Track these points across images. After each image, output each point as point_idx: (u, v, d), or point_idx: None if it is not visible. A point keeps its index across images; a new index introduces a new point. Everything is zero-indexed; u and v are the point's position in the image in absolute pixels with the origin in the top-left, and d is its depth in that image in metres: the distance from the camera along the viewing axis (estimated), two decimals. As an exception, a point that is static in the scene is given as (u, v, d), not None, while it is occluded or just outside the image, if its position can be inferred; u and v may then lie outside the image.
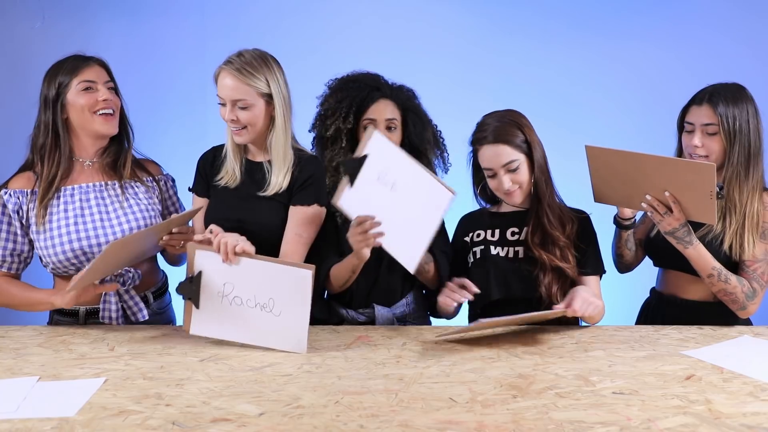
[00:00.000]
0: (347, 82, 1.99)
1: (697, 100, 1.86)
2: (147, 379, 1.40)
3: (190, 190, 1.99)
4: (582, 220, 1.89)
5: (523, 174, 1.81)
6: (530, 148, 1.81)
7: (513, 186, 1.81)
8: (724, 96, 1.82)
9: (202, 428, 1.16)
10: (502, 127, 1.81)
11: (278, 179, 1.84)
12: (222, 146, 1.95)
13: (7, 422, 1.18)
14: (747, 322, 1.90)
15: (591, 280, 1.86)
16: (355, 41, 3.07)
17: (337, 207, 1.72)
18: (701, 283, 1.84)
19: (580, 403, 1.26)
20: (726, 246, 1.82)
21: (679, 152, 1.94)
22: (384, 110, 1.94)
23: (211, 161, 1.95)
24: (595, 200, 1.87)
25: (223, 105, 1.82)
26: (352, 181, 1.69)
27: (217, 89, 1.82)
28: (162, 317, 2.01)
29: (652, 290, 2.07)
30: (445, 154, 2.09)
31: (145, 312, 1.88)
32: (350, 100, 1.94)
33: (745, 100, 1.83)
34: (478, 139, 1.85)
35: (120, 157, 1.92)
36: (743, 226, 1.81)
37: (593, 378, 1.40)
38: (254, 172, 1.89)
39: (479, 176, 1.93)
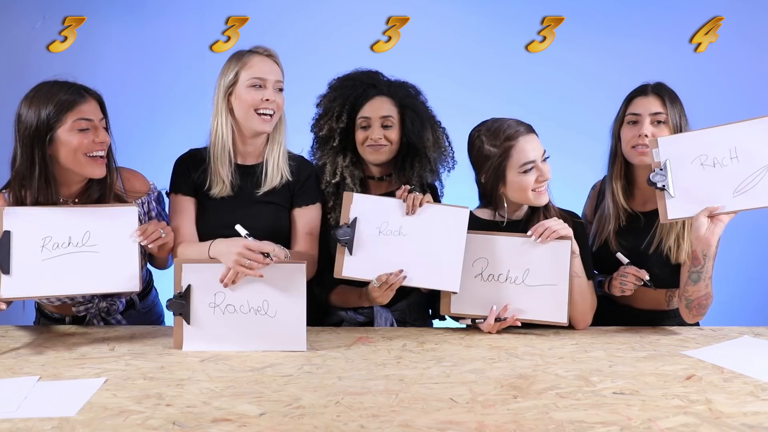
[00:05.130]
0: (343, 81, 1.99)
1: (640, 92, 1.85)
2: (147, 379, 1.40)
3: (167, 194, 1.90)
4: (577, 225, 1.85)
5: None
6: None
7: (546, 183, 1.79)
8: (667, 91, 1.83)
9: (203, 428, 1.16)
10: (526, 124, 1.81)
11: (274, 174, 1.85)
12: (199, 150, 1.90)
13: (8, 422, 1.18)
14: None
15: None
16: (355, 40, 3.08)
17: (343, 278, 1.74)
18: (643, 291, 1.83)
19: (580, 404, 1.26)
20: (668, 251, 1.81)
21: (614, 155, 1.89)
22: (379, 108, 1.93)
23: (192, 164, 1.88)
24: None
25: (258, 87, 1.80)
26: (350, 249, 1.72)
27: (244, 73, 1.79)
28: (149, 314, 1.98)
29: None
30: (450, 153, 2.03)
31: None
32: (343, 99, 1.93)
33: (680, 102, 1.83)
34: (515, 134, 1.77)
35: (102, 199, 1.77)
36: (684, 228, 1.80)
37: (594, 378, 1.40)
38: (250, 176, 1.88)
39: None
